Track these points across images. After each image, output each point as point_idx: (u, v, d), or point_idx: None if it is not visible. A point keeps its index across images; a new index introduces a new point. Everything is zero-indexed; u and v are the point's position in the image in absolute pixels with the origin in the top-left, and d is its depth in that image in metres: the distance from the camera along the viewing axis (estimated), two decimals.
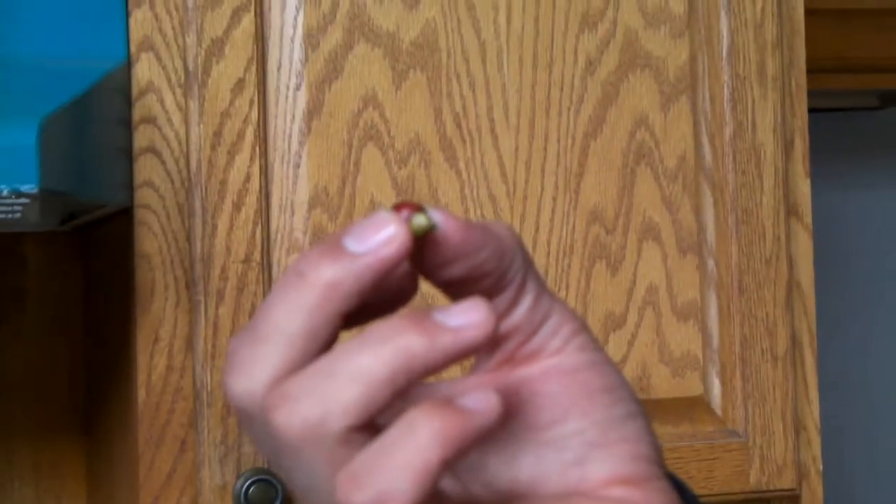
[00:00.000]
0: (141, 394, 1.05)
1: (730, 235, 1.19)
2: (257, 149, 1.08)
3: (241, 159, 1.08)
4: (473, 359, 0.44)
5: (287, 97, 1.10)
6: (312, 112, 1.10)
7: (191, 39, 1.08)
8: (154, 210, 1.06)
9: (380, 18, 1.12)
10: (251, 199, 1.08)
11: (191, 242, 1.07)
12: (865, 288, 2.61)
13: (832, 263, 2.42)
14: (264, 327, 0.39)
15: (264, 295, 1.08)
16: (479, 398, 0.39)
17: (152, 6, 1.07)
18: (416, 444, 0.37)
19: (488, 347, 0.43)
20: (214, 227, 1.07)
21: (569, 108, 1.16)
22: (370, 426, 0.38)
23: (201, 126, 1.07)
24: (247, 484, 1.05)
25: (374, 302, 0.42)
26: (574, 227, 1.15)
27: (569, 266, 1.15)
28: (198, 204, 1.07)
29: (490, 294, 0.42)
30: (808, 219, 1.23)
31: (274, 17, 1.10)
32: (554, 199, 1.15)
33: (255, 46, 1.09)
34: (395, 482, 0.37)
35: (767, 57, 1.20)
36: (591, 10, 1.17)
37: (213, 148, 1.07)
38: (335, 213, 1.10)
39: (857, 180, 2.68)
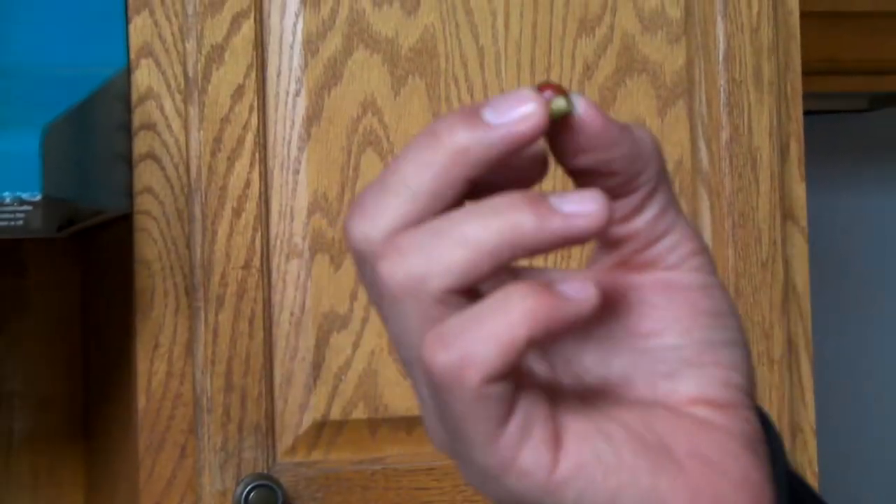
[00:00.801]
0: (141, 400, 1.06)
1: (726, 239, 1.19)
2: (257, 155, 1.08)
3: (241, 165, 1.08)
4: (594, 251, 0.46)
5: (287, 103, 1.10)
6: (312, 118, 1.10)
7: (191, 46, 1.08)
8: (154, 216, 1.06)
9: (379, 24, 1.12)
10: (251, 205, 1.08)
11: (190, 248, 1.07)
12: (857, 289, 2.62)
13: (824, 265, 2.42)
14: (393, 179, 0.40)
15: (264, 301, 1.08)
16: (578, 287, 0.39)
17: (152, 13, 1.07)
18: (506, 317, 0.38)
19: (602, 243, 0.44)
20: (214, 233, 1.07)
21: None
22: (470, 293, 0.40)
23: (201, 132, 1.07)
24: (247, 490, 1.05)
25: (503, 178, 0.42)
26: None
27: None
28: (197, 210, 1.07)
29: (617, 194, 0.43)
30: (804, 222, 1.23)
31: (273, 24, 1.10)
32: None
33: (254, 53, 1.09)
34: (479, 349, 0.38)
35: (763, 61, 1.21)
36: (588, 14, 1.17)
37: (212, 154, 1.07)
38: (334, 218, 1.10)
39: (847, 182, 2.69)
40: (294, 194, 1.10)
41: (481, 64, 1.14)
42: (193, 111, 1.08)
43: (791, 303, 1.21)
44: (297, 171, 1.10)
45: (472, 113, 0.40)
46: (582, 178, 0.43)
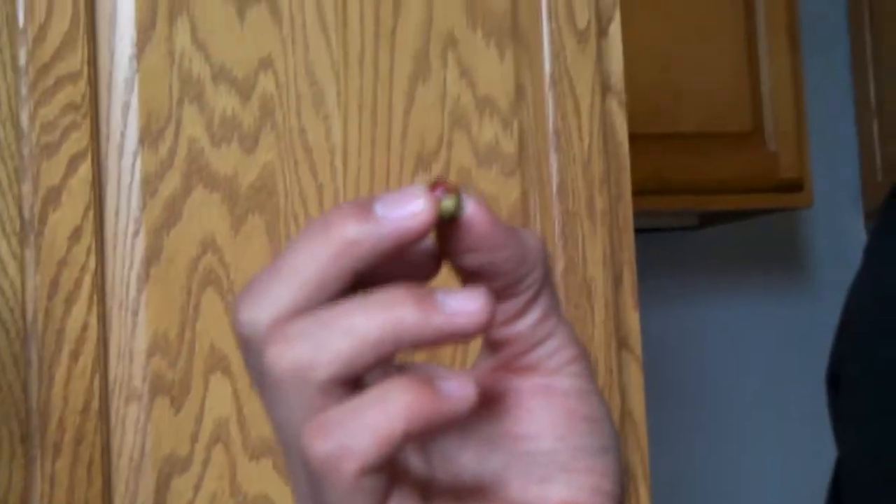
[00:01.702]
0: None
1: None
2: (95, 297, 1.07)
3: (79, 308, 1.06)
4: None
5: (125, 244, 1.09)
6: (151, 258, 1.10)
7: (27, 188, 1.07)
8: None
9: (218, 163, 1.13)
10: (89, 348, 1.06)
11: (27, 394, 1.05)
12: (689, 404, 2.68)
13: (656, 382, 2.47)
14: (283, 266, 0.41)
15: (103, 446, 1.06)
16: (457, 385, 0.40)
17: None
18: (385, 411, 0.39)
19: (485, 343, 0.45)
20: (51, 377, 1.05)
21: None
22: (354, 385, 0.40)
23: (37, 275, 1.06)
24: None
25: (397, 271, 0.43)
26: None
27: None
28: (34, 355, 1.05)
29: (502, 296, 0.44)
30: (639, 350, 1.26)
31: (111, 164, 1.10)
32: None
33: (92, 194, 1.08)
34: (357, 440, 0.39)
35: (596, 192, 1.24)
36: (425, 150, 1.19)
37: (49, 297, 1.06)
38: (174, 359, 1.09)
39: (677, 297, 2.75)
40: (133, 335, 1.08)
41: (320, 201, 1.15)
42: (30, 254, 1.06)
43: (628, 431, 1.23)
44: (136, 312, 1.09)
45: (364, 206, 0.41)
46: (468, 277, 0.44)
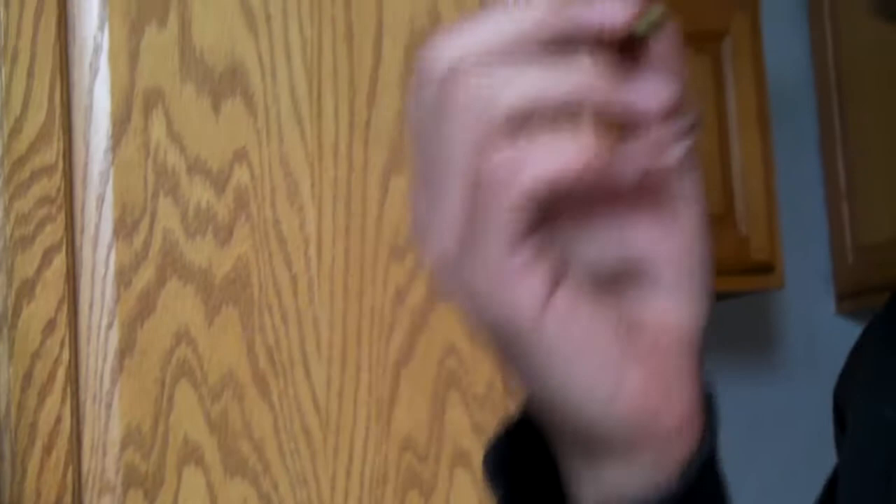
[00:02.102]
0: None
1: None
2: (68, 389, 1.07)
3: (52, 401, 1.06)
4: None
5: (99, 336, 1.09)
6: (125, 350, 1.10)
7: (1, 280, 1.07)
8: None
9: (192, 255, 1.13)
10: (62, 441, 1.06)
11: None
12: None
13: None
14: (485, 21, 0.43)
15: None
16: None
17: None
18: (571, 144, 0.41)
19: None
20: (24, 470, 1.05)
21: (379, 338, 1.18)
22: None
23: (10, 368, 1.06)
24: None
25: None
26: (387, 455, 1.17)
27: (382, 496, 1.16)
28: (6, 448, 1.05)
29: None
30: None
31: (86, 257, 1.10)
32: (367, 428, 1.16)
33: (66, 286, 1.08)
34: (541, 159, 0.41)
35: None
36: (399, 240, 1.20)
37: (22, 390, 1.06)
38: (148, 451, 1.09)
39: None
40: (107, 428, 1.08)
41: (294, 291, 1.16)
42: (3, 346, 1.06)
43: None
44: (109, 405, 1.09)
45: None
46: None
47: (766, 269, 2.57)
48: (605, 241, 0.46)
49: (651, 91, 0.43)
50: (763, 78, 2.62)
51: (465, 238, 0.42)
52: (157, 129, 1.14)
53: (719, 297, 2.70)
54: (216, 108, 1.16)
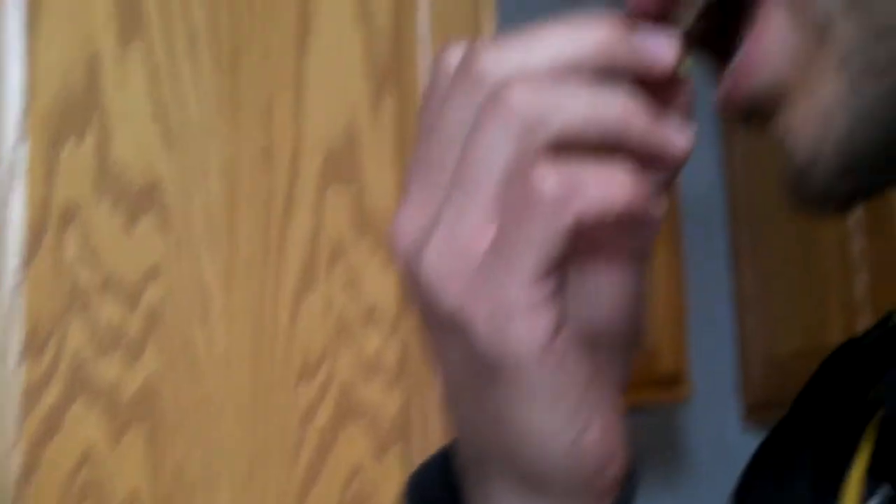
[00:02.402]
0: None
1: None
2: None
3: None
4: None
5: (4, 455, 1.08)
6: (29, 470, 1.08)
7: None
8: None
9: (101, 373, 1.12)
10: None
11: None
12: None
13: None
14: (543, 35, 0.42)
15: None
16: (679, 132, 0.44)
17: None
18: (622, 176, 0.41)
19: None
20: None
21: (287, 458, 1.18)
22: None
23: None
24: None
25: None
26: None
27: None
28: None
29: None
30: None
31: None
32: None
33: None
34: (593, 188, 0.40)
35: None
36: (308, 361, 1.21)
37: None
38: None
39: None
40: None
41: (203, 411, 1.15)
42: None
43: None
44: None
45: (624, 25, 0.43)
46: None
47: (674, 380, 2.59)
48: (594, 288, 0.46)
49: (679, 134, 0.43)
50: (674, 190, 2.67)
51: (487, 256, 0.41)
52: (72, 246, 1.14)
53: (627, 409, 2.71)
54: (131, 224, 1.16)
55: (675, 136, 0.43)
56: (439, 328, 0.43)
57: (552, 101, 0.41)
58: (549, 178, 0.40)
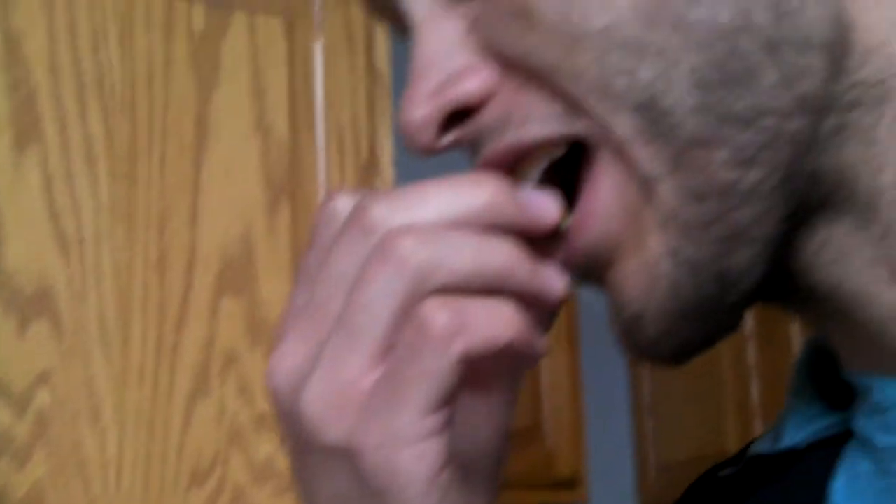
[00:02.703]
0: None
1: None
2: None
3: None
4: None
5: None
6: None
7: None
8: None
9: None
10: None
11: None
12: None
13: None
14: (432, 188, 0.44)
15: None
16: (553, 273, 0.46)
17: None
18: (504, 314, 0.42)
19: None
20: None
21: None
22: None
23: None
24: None
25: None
26: None
27: None
28: None
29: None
30: None
31: None
32: None
33: None
34: (481, 325, 0.42)
35: None
36: (200, 466, 1.21)
37: None
38: None
39: None
40: None
41: None
42: None
43: None
44: None
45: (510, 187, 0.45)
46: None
47: (572, 483, 2.61)
48: (474, 419, 0.47)
49: (556, 281, 0.45)
50: (573, 299, 2.70)
51: (376, 389, 0.42)
52: None
53: None
54: (22, 328, 1.16)
55: (553, 282, 0.45)
56: (323, 459, 0.43)
57: (440, 252, 0.42)
58: (438, 315, 0.41)
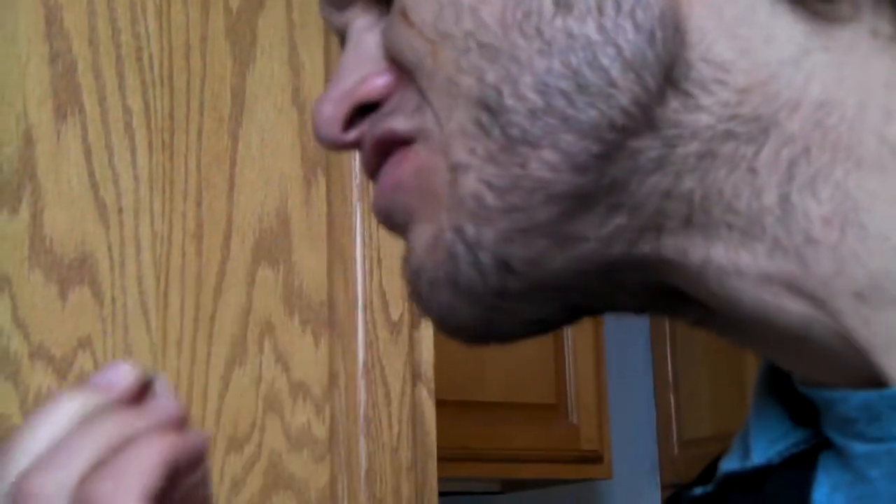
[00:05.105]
0: None
1: None
2: None
3: None
4: None
5: None
6: None
7: None
8: None
9: None
10: None
11: None
12: None
13: None
14: (70, 442, 0.49)
15: None
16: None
17: None
18: (139, 454, 0.48)
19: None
20: None
21: None
22: None
23: None
24: None
25: None
26: None
27: None
28: None
29: None
30: None
31: None
32: None
33: None
34: (128, 475, 0.47)
35: (402, 479, 1.28)
36: (238, 433, 1.22)
37: None
38: None
39: None
40: None
41: None
42: None
43: None
44: None
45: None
46: None
47: (595, 459, 2.63)
48: None
49: (197, 439, 0.50)
50: None
51: None
52: (2, 315, 1.15)
53: (549, 484, 2.75)
54: (63, 294, 1.18)
55: (195, 440, 0.50)
56: None
57: (62, 476, 0.47)
58: (91, 488, 0.46)
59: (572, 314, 0.51)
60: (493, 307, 0.49)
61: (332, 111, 0.52)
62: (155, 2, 1.27)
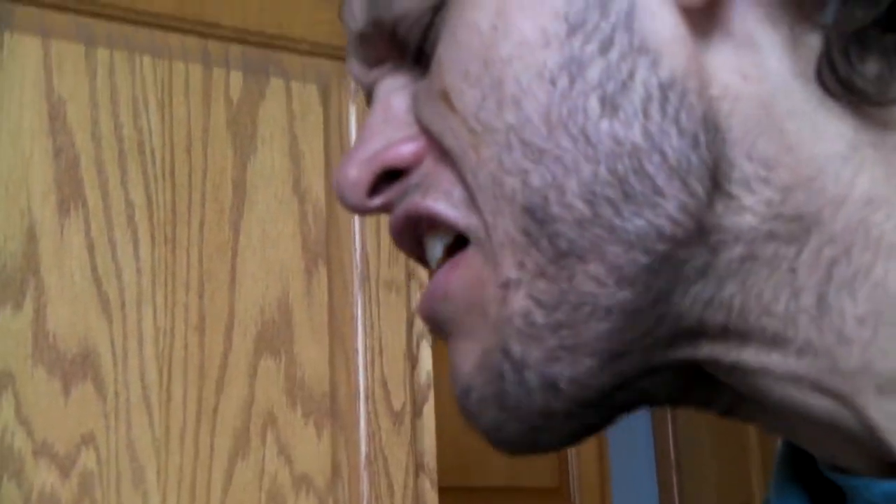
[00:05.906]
0: None
1: None
2: None
3: None
4: None
5: None
6: None
7: None
8: None
9: None
10: None
11: None
12: None
13: None
14: None
15: None
16: None
17: None
18: None
19: None
20: None
21: None
22: None
23: None
24: None
25: None
26: None
27: None
28: None
29: None
30: None
31: None
32: None
33: None
34: None
35: None
36: None
37: None
38: None
39: None
40: None
41: None
42: None
43: None
44: None
45: None
46: None
47: None
48: None
49: None
50: None
51: None
52: (6, 412, 1.15)
53: None
54: (66, 391, 1.18)
55: None
56: None
57: None
58: None
59: (614, 415, 0.51)
60: (539, 426, 0.48)
61: (357, 175, 0.50)
62: (157, 95, 1.28)
